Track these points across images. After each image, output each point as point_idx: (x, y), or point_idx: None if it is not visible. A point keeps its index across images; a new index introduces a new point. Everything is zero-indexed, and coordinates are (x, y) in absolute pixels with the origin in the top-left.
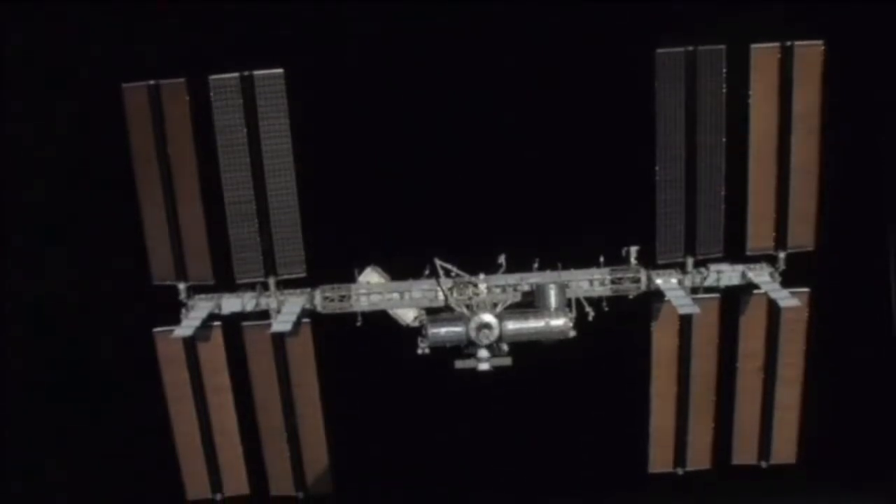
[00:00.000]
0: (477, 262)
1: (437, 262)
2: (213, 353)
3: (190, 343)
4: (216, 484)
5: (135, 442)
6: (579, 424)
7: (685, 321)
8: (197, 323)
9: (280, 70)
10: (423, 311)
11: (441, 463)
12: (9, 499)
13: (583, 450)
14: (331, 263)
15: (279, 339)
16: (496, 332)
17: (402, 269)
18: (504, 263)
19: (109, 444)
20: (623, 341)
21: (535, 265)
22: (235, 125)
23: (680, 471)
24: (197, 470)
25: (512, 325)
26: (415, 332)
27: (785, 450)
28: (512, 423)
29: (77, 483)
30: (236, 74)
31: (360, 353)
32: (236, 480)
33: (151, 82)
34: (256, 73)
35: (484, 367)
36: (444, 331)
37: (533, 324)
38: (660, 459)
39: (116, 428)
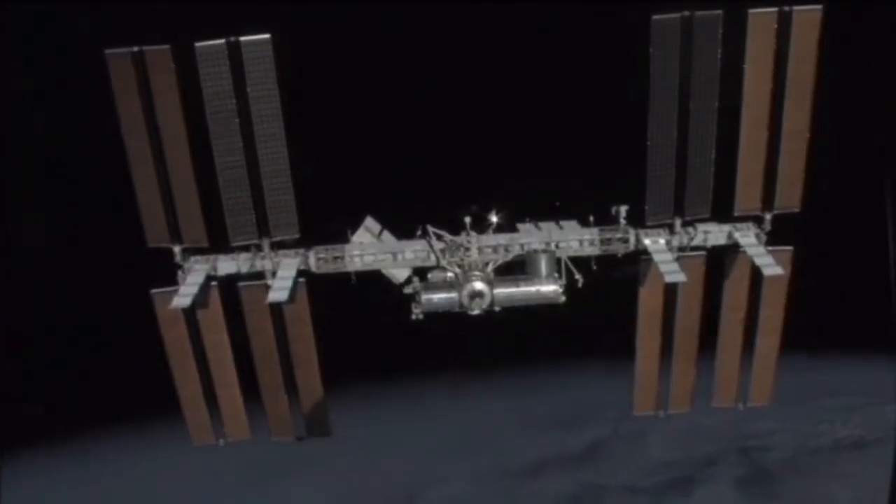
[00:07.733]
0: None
1: (430, 228)
2: (211, 313)
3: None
4: (219, 431)
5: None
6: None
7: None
8: (195, 290)
9: (267, 35)
10: (416, 278)
11: (434, 410)
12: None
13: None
14: (324, 222)
15: None
16: (488, 299)
17: (395, 224)
18: (495, 220)
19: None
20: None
21: (527, 222)
22: (224, 92)
23: (662, 414)
24: (200, 419)
25: (503, 293)
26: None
27: (761, 394)
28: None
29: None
30: (222, 41)
31: (354, 303)
32: (238, 427)
33: (135, 49)
34: (243, 38)
35: (475, 311)
36: (437, 297)
37: (524, 290)
38: (643, 404)
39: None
